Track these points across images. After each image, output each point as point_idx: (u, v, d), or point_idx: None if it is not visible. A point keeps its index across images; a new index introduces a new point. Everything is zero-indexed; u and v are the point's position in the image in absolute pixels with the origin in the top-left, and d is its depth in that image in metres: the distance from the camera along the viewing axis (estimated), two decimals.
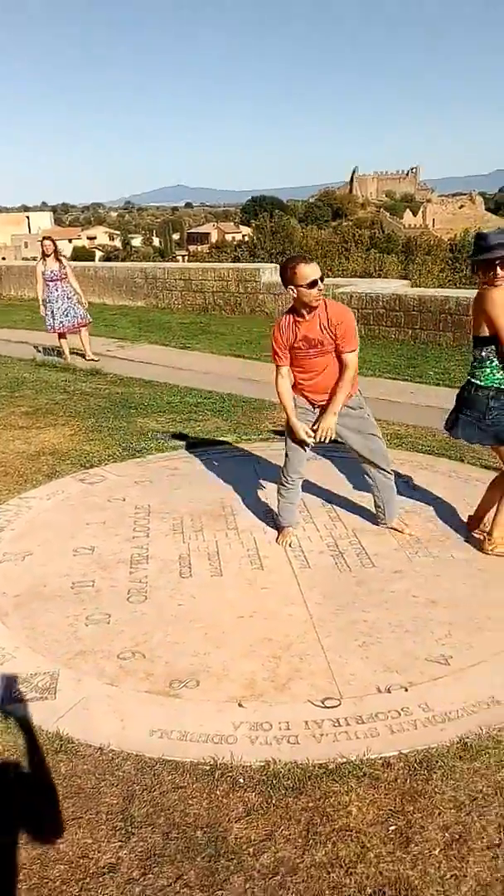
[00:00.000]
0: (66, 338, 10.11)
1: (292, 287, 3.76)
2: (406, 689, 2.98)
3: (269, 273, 15.02)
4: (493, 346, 3.69)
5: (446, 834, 2.29)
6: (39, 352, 10.79)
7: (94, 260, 45.73)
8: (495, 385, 3.76)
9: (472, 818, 2.35)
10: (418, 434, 6.50)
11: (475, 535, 4.25)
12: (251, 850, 2.27)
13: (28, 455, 6.01)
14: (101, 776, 2.59)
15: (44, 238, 10.30)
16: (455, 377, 8.63)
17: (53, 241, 10.23)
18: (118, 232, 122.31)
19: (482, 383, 3.79)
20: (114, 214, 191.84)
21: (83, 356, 10.16)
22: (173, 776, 2.58)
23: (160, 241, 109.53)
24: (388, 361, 9.90)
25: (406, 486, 5.03)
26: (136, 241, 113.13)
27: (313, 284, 3.74)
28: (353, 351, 3.91)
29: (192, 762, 2.64)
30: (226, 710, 2.90)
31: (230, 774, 2.57)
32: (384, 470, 4.26)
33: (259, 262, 25.88)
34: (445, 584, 3.79)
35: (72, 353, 10.27)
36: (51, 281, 9.77)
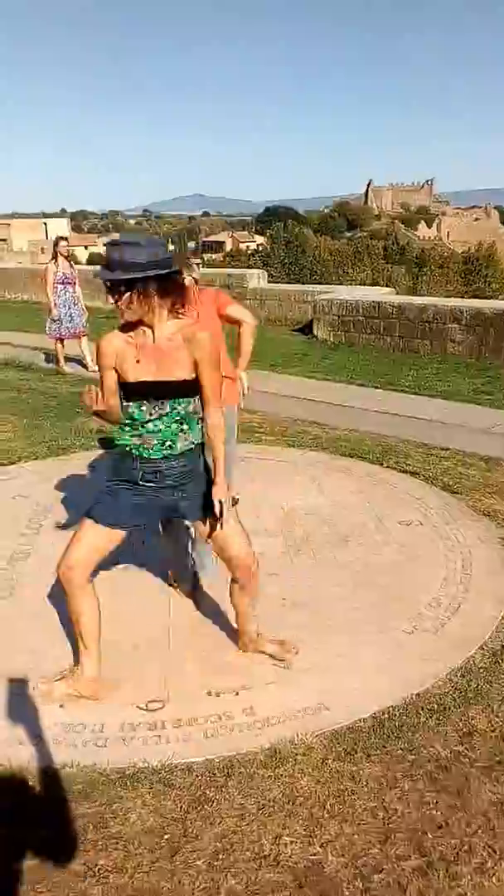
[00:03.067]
0: (62, 344, 9.47)
1: None
2: (237, 694, 2.86)
3: (256, 279, 15.02)
4: None
5: (218, 844, 2.17)
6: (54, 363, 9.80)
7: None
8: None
9: (252, 827, 2.23)
10: (355, 438, 6.38)
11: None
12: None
13: None
14: None
15: (59, 238, 9.65)
16: (428, 385, 8.52)
17: (69, 241, 9.71)
18: None
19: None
20: (132, 222, 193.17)
21: (83, 365, 9.55)
22: None
23: (176, 249, 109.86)
24: (362, 368, 9.80)
25: (317, 488, 4.93)
26: None
27: None
28: None
29: None
30: (44, 710, 2.79)
31: (22, 777, 2.47)
32: None
33: (271, 269, 25.53)
34: (316, 587, 3.67)
35: (67, 361, 9.91)
36: (60, 283, 9.19)
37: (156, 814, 2.29)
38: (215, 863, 2.10)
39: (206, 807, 2.31)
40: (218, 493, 2.71)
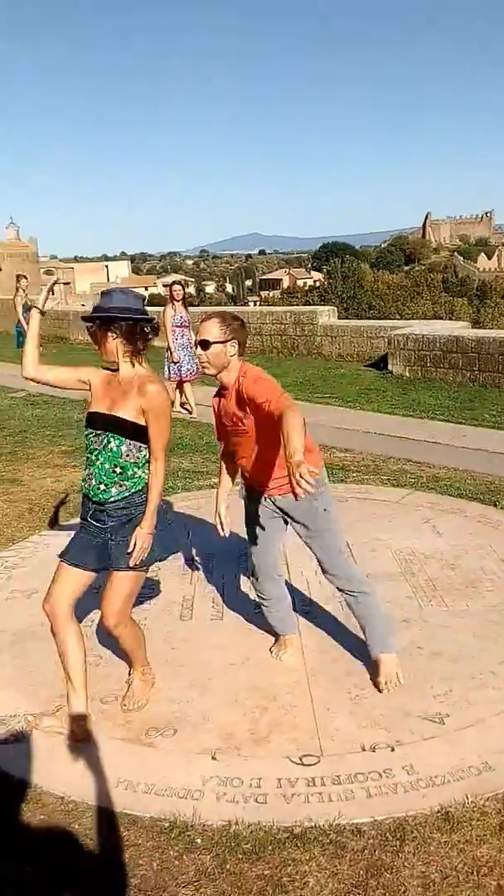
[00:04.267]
0: (182, 388, 9.40)
1: None
2: (392, 749, 2.76)
3: (326, 315, 15.05)
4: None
5: None
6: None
7: None
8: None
9: None
10: (457, 477, 6.25)
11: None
12: None
13: (56, 493, 6.05)
14: (55, 828, 2.47)
15: (173, 283, 9.72)
16: None
17: (183, 286, 9.72)
18: (192, 279, 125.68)
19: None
20: (189, 262, 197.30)
21: (188, 409, 9.42)
22: (129, 832, 2.44)
23: (233, 288, 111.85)
24: (442, 404, 9.66)
25: (432, 530, 4.82)
26: (210, 288, 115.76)
27: (203, 345, 2.96)
28: (280, 404, 2.72)
29: (151, 817, 2.49)
30: (198, 762, 2.75)
31: (188, 834, 2.41)
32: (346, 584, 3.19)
33: (329, 304, 25.56)
34: (454, 636, 3.54)
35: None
36: (177, 327, 9.11)
37: (334, 879, 2.20)
38: None
39: (385, 874, 2.21)
40: (138, 535, 2.81)
